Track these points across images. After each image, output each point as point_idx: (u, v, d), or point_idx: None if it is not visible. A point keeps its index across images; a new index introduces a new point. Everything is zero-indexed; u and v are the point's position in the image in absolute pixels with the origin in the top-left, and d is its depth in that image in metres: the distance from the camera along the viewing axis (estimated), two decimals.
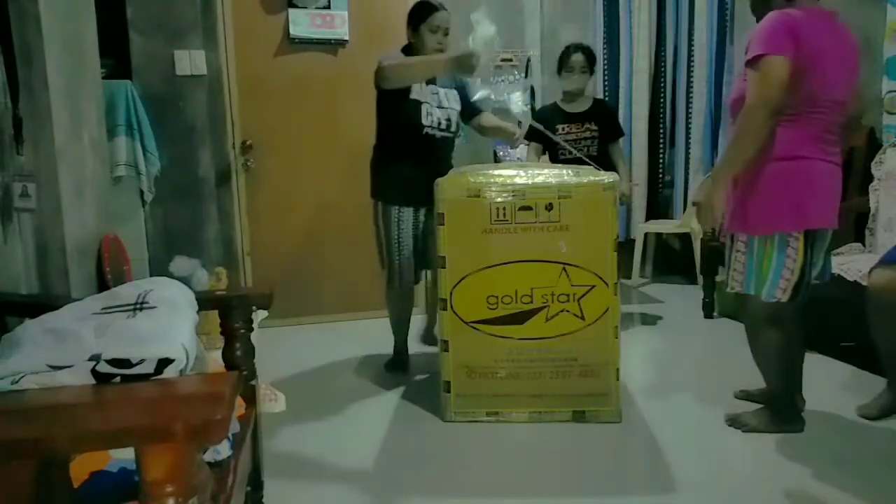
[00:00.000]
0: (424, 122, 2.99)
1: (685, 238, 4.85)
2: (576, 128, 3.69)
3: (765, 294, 2.31)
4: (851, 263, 3.07)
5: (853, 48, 2.27)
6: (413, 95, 2.97)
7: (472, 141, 4.33)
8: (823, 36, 2.18)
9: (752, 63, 2.17)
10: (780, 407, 2.52)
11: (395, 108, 2.98)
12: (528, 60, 4.49)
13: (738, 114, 2.23)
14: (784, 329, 2.40)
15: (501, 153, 4.33)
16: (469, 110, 3.21)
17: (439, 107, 3.06)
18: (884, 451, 2.39)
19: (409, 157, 3.02)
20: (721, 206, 2.32)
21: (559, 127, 3.67)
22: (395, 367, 3.30)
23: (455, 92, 3.16)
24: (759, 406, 2.62)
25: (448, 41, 3.07)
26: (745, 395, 2.83)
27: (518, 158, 4.27)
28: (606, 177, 2.62)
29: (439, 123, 3.04)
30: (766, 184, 2.26)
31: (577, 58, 3.65)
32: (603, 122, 3.71)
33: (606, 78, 4.81)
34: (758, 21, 2.29)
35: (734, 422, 2.59)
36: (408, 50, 3.06)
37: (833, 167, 2.29)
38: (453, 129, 3.11)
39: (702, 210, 2.34)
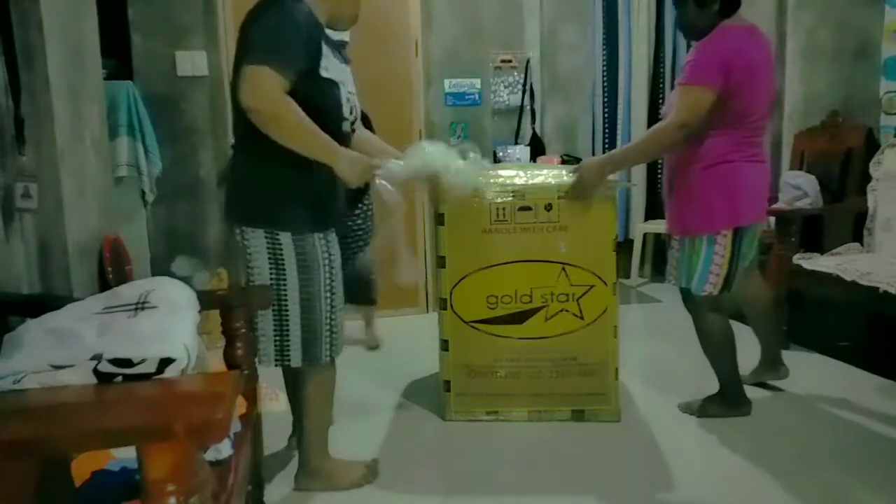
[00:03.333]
0: (344, 112, 2.01)
1: None
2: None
3: (694, 287, 2.52)
4: (850, 264, 3.07)
5: (772, 63, 2.50)
6: (326, 73, 1.93)
7: (473, 141, 4.34)
8: (754, 54, 2.38)
9: (686, 84, 2.37)
10: (729, 393, 2.66)
11: (307, 90, 1.88)
12: (528, 62, 4.50)
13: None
14: (722, 317, 2.59)
15: (501, 153, 4.34)
16: None
17: (350, 92, 2.05)
18: (885, 449, 2.40)
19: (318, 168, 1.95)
20: (596, 190, 2.51)
21: None
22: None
23: (350, 71, 2.12)
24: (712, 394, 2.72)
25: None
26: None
27: (517, 159, 4.28)
28: None
29: (352, 115, 2.07)
30: (699, 189, 2.45)
31: None
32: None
33: (605, 79, 4.82)
34: (684, 24, 2.54)
35: (687, 409, 2.73)
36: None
37: (755, 165, 2.48)
38: (357, 124, 2.17)
39: (582, 186, 2.50)
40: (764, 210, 2.59)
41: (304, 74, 1.86)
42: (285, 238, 1.95)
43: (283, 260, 1.96)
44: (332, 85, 1.95)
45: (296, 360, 2.03)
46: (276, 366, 2.05)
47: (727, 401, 2.67)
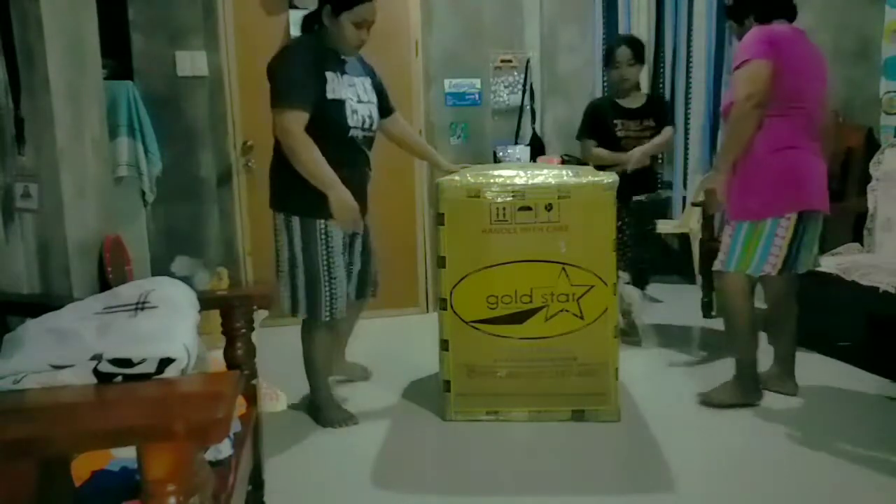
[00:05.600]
0: (350, 122, 2.54)
1: (684, 238, 4.85)
2: (634, 125, 3.50)
3: (752, 269, 2.60)
4: (850, 264, 3.07)
5: (823, 62, 2.65)
6: (332, 94, 2.49)
7: (473, 141, 4.35)
8: (798, 47, 2.54)
9: (738, 68, 2.51)
10: (744, 379, 2.74)
11: (316, 112, 2.46)
12: (528, 62, 4.49)
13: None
14: (751, 303, 2.70)
15: (501, 153, 4.34)
16: (382, 105, 2.80)
17: (360, 101, 2.60)
18: (885, 450, 2.40)
19: (333, 165, 2.49)
20: (723, 190, 2.63)
21: (616, 122, 3.49)
22: (337, 419, 2.73)
23: (369, 80, 2.74)
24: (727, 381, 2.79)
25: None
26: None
27: (517, 159, 4.28)
28: (606, 177, 2.63)
29: (363, 122, 2.60)
30: (762, 174, 2.54)
31: (623, 52, 3.47)
32: (660, 119, 3.55)
33: (606, 79, 4.82)
34: (738, 38, 2.67)
35: (706, 399, 2.80)
36: (314, 30, 2.59)
37: (818, 159, 2.62)
38: (375, 126, 2.70)
39: (709, 196, 2.69)
40: (826, 200, 2.63)
41: (314, 101, 2.44)
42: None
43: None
44: (338, 103, 2.51)
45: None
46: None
47: (741, 387, 2.73)
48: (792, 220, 2.53)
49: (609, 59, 3.53)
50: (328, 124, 2.48)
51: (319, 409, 2.75)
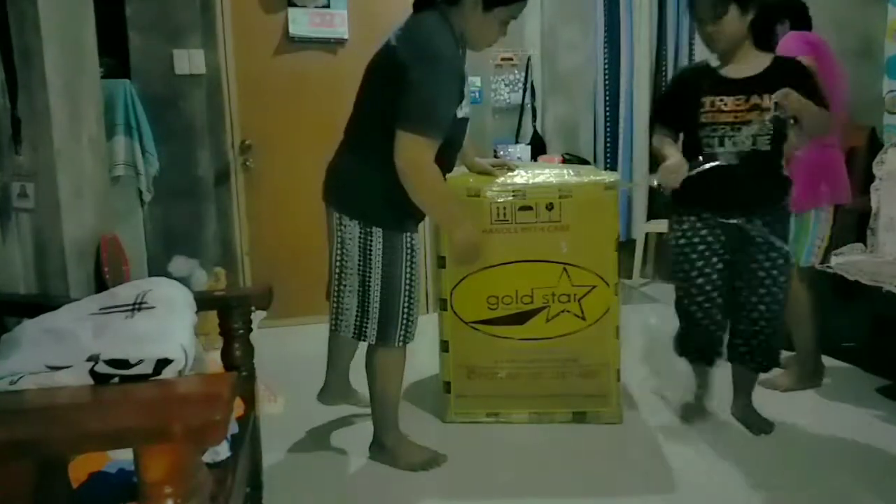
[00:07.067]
0: (463, 140, 2.30)
1: None
2: (734, 103, 2.28)
3: (803, 260, 2.81)
4: (853, 264, 3.06)
5: (840, 67, 2.84)
6: (461, 112, 2.17)
7: (473, 140, 4.33)
8: (820, 45, 2.74)
9: None
10: (809, 363, 2.90)
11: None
12: (529, 60, 4.49)
13: None
14: (812, 291, 2.87)
15: (501, 153, 4.33)
16: None
17: (468, 104, 2.27)
18: (887, 451, 2.39)
19: None
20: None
21: (706, 100, 2.31)
22: (421, 462, 2.38)
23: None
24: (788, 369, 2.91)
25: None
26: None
27: (518, 158, 4.27)
28: (607, 176, 2.62)
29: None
30: (805, 168, 2.69)
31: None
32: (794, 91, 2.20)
33: (607, 77, 4.81)
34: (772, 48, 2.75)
35: (769, 384, 2.87)
36: (437, 12, 2.17)
37: (842, 154, 2.89)
38: None
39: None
40: (849, 193, 2.89)
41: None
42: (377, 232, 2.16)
43: (370, 250, 2.17)
44: (463, 121, 2.21)
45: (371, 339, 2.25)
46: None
47: (803, 370, 2.89)
48: (830, 213, 2.77)
49: (692, 13, 2.47)
50: (448, 144, 2.13)
51: (395, 452, 2.37)
